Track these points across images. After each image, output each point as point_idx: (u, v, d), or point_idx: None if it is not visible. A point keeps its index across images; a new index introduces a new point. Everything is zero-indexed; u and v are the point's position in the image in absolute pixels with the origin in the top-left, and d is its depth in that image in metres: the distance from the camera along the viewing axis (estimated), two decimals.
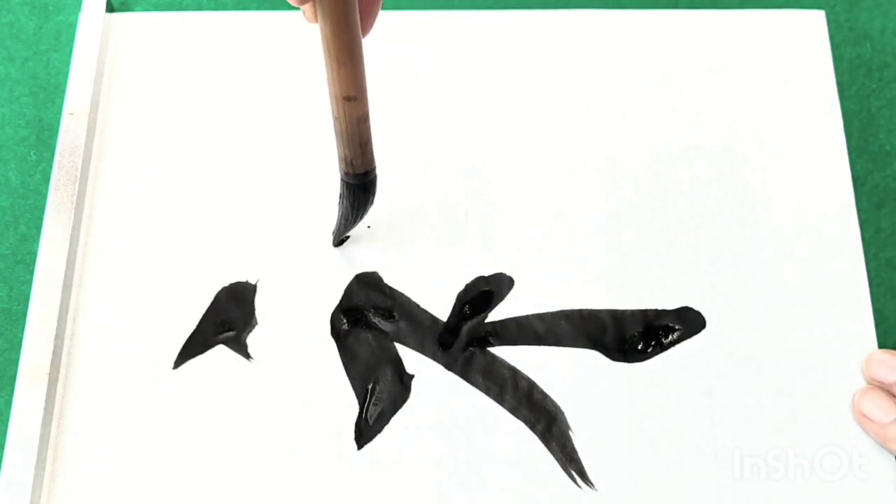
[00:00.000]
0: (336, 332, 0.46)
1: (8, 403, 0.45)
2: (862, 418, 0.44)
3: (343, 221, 0.45)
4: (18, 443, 0.43)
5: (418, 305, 0.47)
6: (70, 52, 0.52)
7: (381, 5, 0.37)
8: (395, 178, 0.50)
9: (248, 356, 0.46)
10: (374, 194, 0.43)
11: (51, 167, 0.50)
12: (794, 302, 0.47)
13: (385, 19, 0.53)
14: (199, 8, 0.54)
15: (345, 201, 0.43)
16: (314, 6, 0.34)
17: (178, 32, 0.53)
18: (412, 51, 0.53)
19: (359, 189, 0.42)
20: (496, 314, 0.47)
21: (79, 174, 0.49)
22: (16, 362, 0.45)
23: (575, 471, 0.44)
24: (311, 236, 0.48)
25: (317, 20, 0.35)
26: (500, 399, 0.45)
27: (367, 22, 0.37)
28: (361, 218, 0.45)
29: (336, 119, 0.39)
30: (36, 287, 0.47)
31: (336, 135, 0.40)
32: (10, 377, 0.46)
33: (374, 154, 0.41)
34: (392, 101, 0.51)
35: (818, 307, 0.47)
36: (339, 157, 0.41)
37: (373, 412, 0.45)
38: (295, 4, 0.34)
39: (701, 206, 0.49)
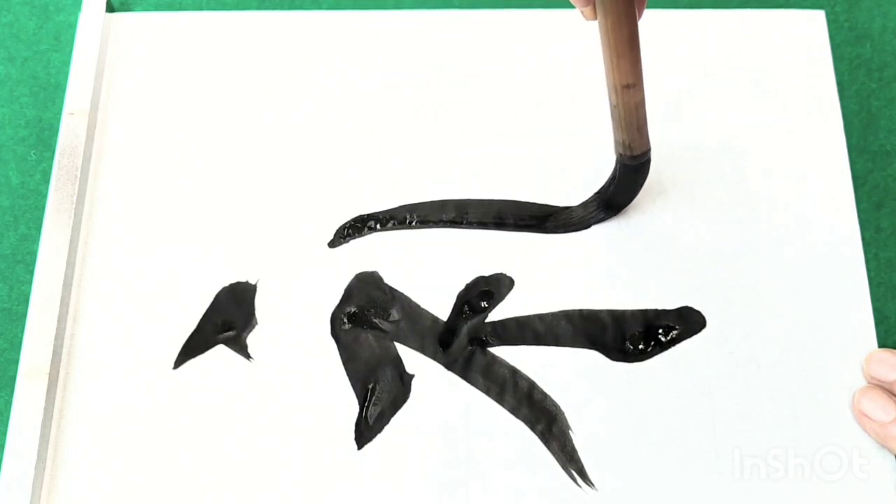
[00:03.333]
0: (336, 332, 0.46)
1: (8, 403, 0.45)
2: (862, 417, 0.44)
3: (613, 202, 0.47)
4: (18, 443, 0.43)
5: (418, 305, 0.47)
6: (70, 52, 0.52)
7: None
8: (396, 178, 0.50)
9: (248, 356, 0.46)
10: (647, 174, 0.46)
11: (51, 167, 0.50)
12: (795, 302, 0.47)
13: (385, 19, 0.53)
14: (199, 8, 0.54)
15: (616, 183, 0.46)
16: (594, 6, 0.37)
17: (178, 32, 0.53)
18: (413, 50, 0.53)
19: (635, 169, 0.45)
20: (496, 314, 0.47)
21: (79, 174, 0.48)
22: (16, 362, 0.45)
23: (575, 470, 0.44)
24: (311, 236, 0.48)
25: (596, 18, 0.38)
26: (500, 399, 0.45)
27: (638, 13, 0.39)
28: (633, 198, 0.48)
29: (615, 107, 0.42)
30: (36, 287, 0.47)
31: (614, 121, 0.43)
32: (10, 377, 0.46)
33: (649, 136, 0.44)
34: (393, 99, 0.51)
35: (818, 307, 0.47)
36: (616, 142, 0.44)
37: (373, 412, 0.45)
38: (577, 6, 0.38)
39: (701, 205, 0.49)
